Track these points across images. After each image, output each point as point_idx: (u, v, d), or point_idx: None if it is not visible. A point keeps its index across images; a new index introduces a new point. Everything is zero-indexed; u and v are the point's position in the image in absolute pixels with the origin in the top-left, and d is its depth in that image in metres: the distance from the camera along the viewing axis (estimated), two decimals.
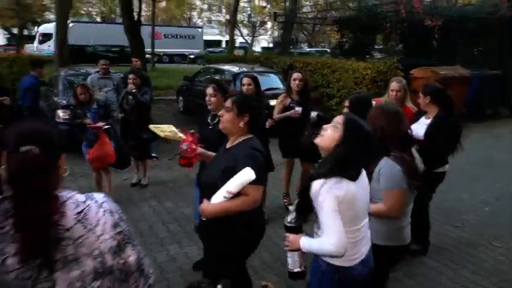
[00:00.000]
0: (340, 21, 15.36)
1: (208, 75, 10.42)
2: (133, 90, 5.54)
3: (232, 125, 2.40)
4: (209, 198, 2.34)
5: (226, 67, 10.34)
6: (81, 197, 1.35)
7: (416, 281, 3.60)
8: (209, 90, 3.37)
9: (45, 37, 29.01)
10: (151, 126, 3.65)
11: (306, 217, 2.17)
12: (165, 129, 3.50)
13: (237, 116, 2.37)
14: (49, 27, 28.91)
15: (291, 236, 2.14)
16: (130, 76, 5.69)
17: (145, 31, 26.56)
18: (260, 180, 2.30)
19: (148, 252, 3.92)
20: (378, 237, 2.36)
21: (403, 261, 3.57)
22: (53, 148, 1.30)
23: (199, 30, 34.30)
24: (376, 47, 16.29)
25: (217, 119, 3.28)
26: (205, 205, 2.33)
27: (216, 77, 9.35)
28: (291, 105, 4.72)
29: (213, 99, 3.34)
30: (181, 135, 3.46)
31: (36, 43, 29.80)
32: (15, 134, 1.28)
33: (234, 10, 23.35)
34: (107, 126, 4.81)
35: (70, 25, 28.15)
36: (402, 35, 13.07)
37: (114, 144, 5.12)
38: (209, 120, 3.49)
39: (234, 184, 2.21)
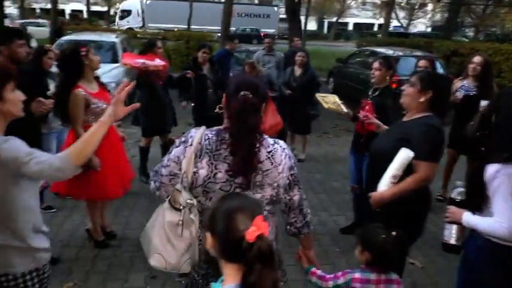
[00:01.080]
0: None
1: (362, 57, 10.34)
2: (319, 79, 5.96)
3: (412, 100, 2.41)
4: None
5: (382, 50, 10.11)
6: (270, 141, 1.73)
7: None
8: (375, 65, 3.64)
9: (125, 13, 30.38)
10: (318, 95, 3.96)
11: (477, 204, 2.06)
12: (330, 100, 3.79)
13: (419, 91, 2.38)
14: (129, 4, 30.38)
15: (453, 208, 2.16)
16: (300, 54, 6.01)
17: (215, 9, 25.84)
18: (433, 157, 2.31)
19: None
20: None
21: None
22: (260, 95, 1.69)
23: (275, 8, 32.19)
24: None
25: (377, 92, 3.60)
26: (376, 195, 2.34)
27: (370, 60, 9.27)
28: (458, 90, 4.48)
29: (377, 72, 3.61)
30: (343, 107, 3.72)
31: (117, 19, 31.24)
32: (235, 82, 1.72)
33: None
34: (273, 94, 5.26)
35: (147, 2, 28.57)
36: None
37: None
38: (370, 93, 3.74)
39: (395, 167, 2.27)
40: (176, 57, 12.49)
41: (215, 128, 1.73)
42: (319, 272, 1.95)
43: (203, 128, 1.74)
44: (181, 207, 1.70)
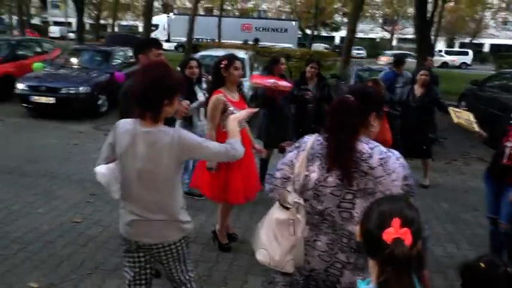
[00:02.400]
0: None
1: (503, 80, 9.36)
2: (443, 101, 5.63)
3: None
4: None
5: None
6: (384, 149, 1.70)
7: None
8: None
9: (153, 27, 30.92)
10: (452, 109, 3.74)
11: None
12: (463, 116, 3.54)
13: None
14: (157, 19, 31.73)
15: None
16: (423, 72, 5.73)
17: (234, 23, 25.27)
18: None
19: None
20: None
21: None
22: (365, 101, 1.72)
23: (293, 23, 31.13)
24: None
25: None
26: None
27: None
28: None
29: None
30: (475, 126, 3.46)
31: None
32: (347, 89, 1.78)
33: None
34: (387, 110, 5.02)
35: (172, 17, 29.62)
36: None
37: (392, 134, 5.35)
38: None
39: None
40: (296, 74, 12.86)
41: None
42: None
43: (316, 134, 1.82)
44: (289, 207, 1.78)
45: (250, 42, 21.38)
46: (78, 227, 3.97)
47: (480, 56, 39.78)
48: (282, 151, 3.66)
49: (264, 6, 45.04)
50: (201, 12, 35.59)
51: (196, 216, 4.37)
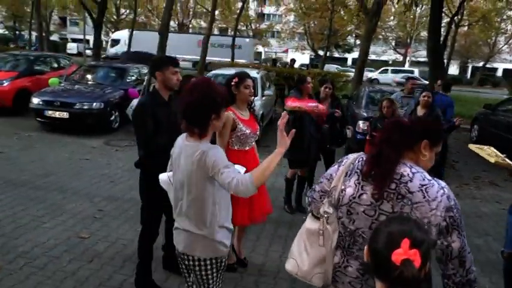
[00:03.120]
0: None
1: None
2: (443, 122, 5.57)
3: None
4: None
5: None
6: (428, 177, 1.64)
7: None
8: None
9: (115, 42, 32.28)
10: (472, 146, 3.55)
11: None
12: (488, 152, 3.37)
13: None
14: (118, 34, 32.55)
15: None
16: (425, 93, 5.76)
17: (191, 39, 25.32)
18: None
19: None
20: None
21: None
22: (420, 127, 1.72)
23: (247, 40, 32.00)
24: None
25: None
26: None
27: None
28: None
29: None
30: (508, 160, 3.20)
31: (108, 47, 33.33)
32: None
33: None
34: None
35: (134, 32, 29.31)
36: None
37: None
38: None
39: None
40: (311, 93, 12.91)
41: None
42: None
43: (361, 152, 1.82)
44: (319, 216, 1.78)
45: (279, 65, 21.37)
46: (84, 243, 3.97)
47: (493, 80, 39.57)
48: None
49: (278, 27, 45.60)
50: (215, 31, 36.20)
51: None
